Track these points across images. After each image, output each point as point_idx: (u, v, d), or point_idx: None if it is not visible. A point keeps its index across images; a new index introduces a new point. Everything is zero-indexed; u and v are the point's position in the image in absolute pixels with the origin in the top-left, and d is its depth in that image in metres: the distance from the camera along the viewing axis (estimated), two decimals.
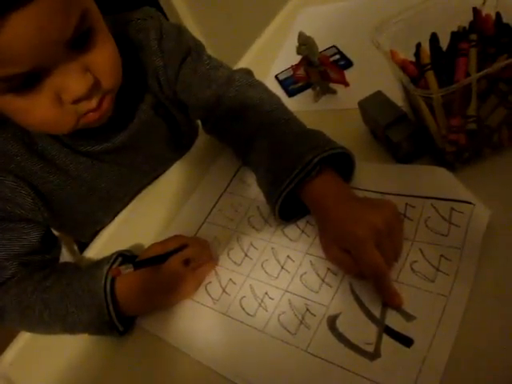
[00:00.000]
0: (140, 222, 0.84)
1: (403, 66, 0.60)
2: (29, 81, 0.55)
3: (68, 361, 0.69)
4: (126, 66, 0.65)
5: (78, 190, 0.77)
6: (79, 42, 0.56)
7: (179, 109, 0.83)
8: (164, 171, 0.91)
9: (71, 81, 0.56)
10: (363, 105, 0.71)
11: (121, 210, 0.88)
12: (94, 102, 0.61)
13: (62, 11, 0.51)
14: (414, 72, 0.60)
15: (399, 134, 0.64)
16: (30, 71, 0.53)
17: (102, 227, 0.88)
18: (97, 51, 0.59)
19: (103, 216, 0.87)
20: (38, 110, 0.58)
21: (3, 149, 0.68)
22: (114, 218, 0.88)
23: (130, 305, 0.65)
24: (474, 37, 0.57)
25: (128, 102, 0.68)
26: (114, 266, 0.66)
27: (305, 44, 0.78)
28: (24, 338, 0.76)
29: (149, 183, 0.90)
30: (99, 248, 0.84)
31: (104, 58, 0.60)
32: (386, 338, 0.51)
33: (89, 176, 0.77)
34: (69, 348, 0.70)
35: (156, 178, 0.90)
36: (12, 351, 0.75)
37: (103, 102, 0.63)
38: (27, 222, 0.72)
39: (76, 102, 0.59)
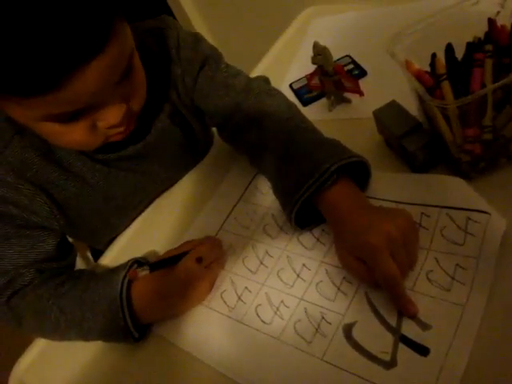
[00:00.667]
0: (155, 230, 0.84)
1: (418, 76, 0.60)
2: (74, 113, 0.58)
3: (82, 367, 0.70)
4: (146, 77, 0.66)
5: (95, 197, 0.78)
6: (123, 78, 0.59)
7: (196, 117, 0.84)
8: (179, 179, 0.91)
9: (109, 112, 0.60)
10: (378, 114, 0.71)
11: (136, 217, 0.89)
12: (124, 126, 0.64)
13: (121, 57, 0.56)
14: (429, 82, 0.60)
15: (414, 143, 0.65)
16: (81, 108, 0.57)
17: (117, 234, 0.89)
18: (132, 81, 0.62)
19: (118, 223, 0.88)
20: (74, 135, 0.61)
21: (21, 157, 0.69)
22: (128, 225, 0.89)
23: (145, 311, 0.66)
24: (489, 47, 0.58)
25: (146, 112, 0.69)
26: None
27: (320, 54, 0.79)
28: (39, 344, 0.77)
29: (164, 191, 0.91)
30: (114, 256, 0.85)
31: (138, 86, 0.64)
32: (402, 346, 0.51)
33: (105, 184, 0.77)
34: (83, 354, 0.71)
35: (171, 185, 0.91)
36: (27, 357, 0.76)
37: (130, 123, 0.66)
38: (43, 229, 0.73)
39: (110, 128, 0.62)
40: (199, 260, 0.66)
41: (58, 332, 0.70)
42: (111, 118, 0.60)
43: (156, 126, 0.78)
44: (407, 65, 0.62)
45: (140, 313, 0.65)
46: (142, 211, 0.89)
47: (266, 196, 0.75)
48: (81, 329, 0.67)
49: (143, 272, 0.62)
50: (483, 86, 0.57)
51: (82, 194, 0.76)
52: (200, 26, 1.82)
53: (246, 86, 0.79)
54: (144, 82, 0.66)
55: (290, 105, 0.78)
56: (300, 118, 0.74)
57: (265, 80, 0.85)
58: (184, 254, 0.66)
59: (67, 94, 0.51)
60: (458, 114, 0.57)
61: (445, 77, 0.59)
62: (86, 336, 0.69)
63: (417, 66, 0.62)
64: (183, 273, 0.65)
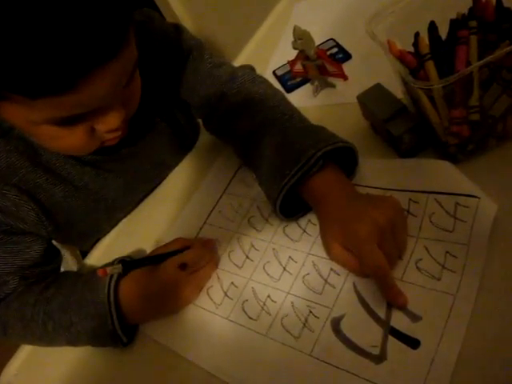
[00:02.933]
0: (141, 227, 0.83)
1: (401, 57, 0.58)
2: (76, 118, 0.56)
3: (71, 369, 0.68)
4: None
5: (84, 200, 0.76)
6: (126, 83, 0.59)
7: (182, 109, 0.83)
8: (167, 176, 0.90)
9: (110, 116, 0.59)
10: (362, 99, 0.69)
11: (124, 217, 0.87)
12: (120, 131, 0.63)
13: (130, 62, 0.55)
14: (412, 63, 0.58)
15: (400, 127, 0.63)
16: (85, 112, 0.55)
17: (105, 235, 0.87)
18: (132, 87, 0.61)
19: (107, 225, 0.86)
20: (71, 139, 0.60)
21: (7, 162, 0.66)
22: (116, 225, 0.87)
23: (133, 313, 0.64)
24: (473, 24, 0.55)
25: (137, 115, 0.67)
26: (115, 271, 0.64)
27: (301, 38, 0.76)
28: (28, 349, 0.75)
29: (154, 189, 0.89)
30: (101, 255, 0.83)
31: (135, 91, 0.63)
32: (391, 339, 0.49)
33: (94, 186, 0.76)
34: (72, 357, 0.69)
35: (160, 183, 0.89)
36: (16, 361, 0.74)
37: (125, 127, 0.64)
38: (30, 235, 0.71)
39: (108, 132, 0.61)
40: (183, 267, 0.63)
41: (46, 338, 0.68)
42: (112, 121, 0.59)
43: (145, 124, 0.77)
44: (389, 45, 0.59)
45: (128, 315, 0.64)
46: (131, 211, 0.87)
47: (250, 188, 0.73)
48: (69, 333, 0.65)
49: (114, 270, 0.60)
50: (468, 64, 0.54)
51: (70, 198, 0.74)
52: (181, 14, 1.78)
53: (230, 76, 0.77)
54: (140, 87, 0.65)
55: (276, 92, 0.75)
56: (285, 105, 0.72)
57: (250, 68, 0.83)
58: (170, 254, 0.64)
59: (80, 96, 0.50)
60: (444, 95, 0.54)
61: (428, 56, 0.57)
62: (74, 341, 0.67)
63: (399, 46, 0.60)
64: (163, 277, 0.63)
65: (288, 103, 0.74)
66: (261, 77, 0.80)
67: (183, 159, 0.91)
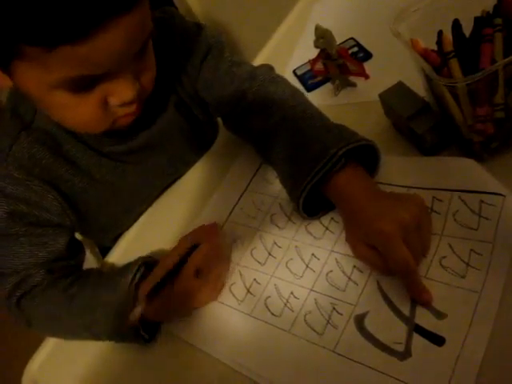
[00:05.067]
0: (161, 224, 0.83)
1: (425, 55, 0.58)
2: (89, 82, 0.57)
3: (95, 364, 0.69)
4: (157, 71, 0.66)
5: (102, 192, 0.77)
6: (139, 53, 0.59)
7: (201, 107, 0.83)
8: (186, 171, 0.90)
9: (123, 87, 0.59)
10: (384, 97, 0.69)
11: (142, 212, 0.88)
12: (134, 107, 0.63)
13: (144, 25, 0.56)
14: (436, 61, 0.58)
15: (423, 125, 0.62)
16: (98, 75, 0.56)
17: (124, 230, 0.88)
18: (146, 61, 0.62)
19: (126, 219, 0.87)
20: (84, 109, 0.60)
21: (29, 153, 0.68)
22: (135, 220, 0.88)
23: (154, 315, 0.65)
24: (498, 21, 0.55)
25: (153, 103, 0.68)
26: (138, 275, 0.65)
27: (322, 37, 0.76)
28: (51, 343, 0.76)
29: (171, 184, 0.90)
30: (122, 252, 0.84)
31: (150, 67, 0.64)
32: (416, 336, 0.49)
33: (112, 178, 0.77)
34: (95, 352, 0.70)
35: (178, 178, 0.90)
36: (40, 356, 0.75)
37: (139, 105, 0.65)
38: (55, 227, 0.72)
39: (121, 105, 0.61)
40: (197, 273, 0.63)
41: (70, 334, 0.70)
42: (124, 93, 0.59)
43: (162, 116, 0.78)
44: (413, 44, 0.59)
45: (148, 315, 0.64)
46: (149, 206, 0.88)
47: (272, 185, 0.74)
48: (91, 332, 0.67)
49: (139, 309, 0.60)
50: (493, 62, 0.54)
51: (89, 190, 0.75)
52: (200, 14, 1.79)
53: (250, 74, 0.77)
54: (154, 65, 0.65)
55: (295, 91, 0.76)
56: (305, 104, 0.72)
57: (269, 68, 0.83)
58: (180, 264, 0.64)
59: (93, 47, 0.50)
60: (468, 93, 0.54)
61: (452, 54, 0.57)
62: (97, 337, 0.68)
63: (423, 44, 0.60)
64: (182, 291, 0.63)
65: (308, 102, 0.74)
66: (280, 76, 0.80)
67: (203, 156, 0.91)
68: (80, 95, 0.58)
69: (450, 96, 0.56)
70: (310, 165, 0.60)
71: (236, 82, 0.77)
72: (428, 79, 0.59)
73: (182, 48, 0.77)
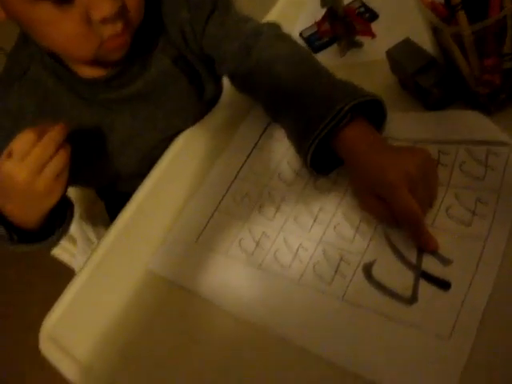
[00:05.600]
0: (170, 183, 0.84)
1: (432, 8, 0.58)
2: None
3: (111, 320, 0.70)
4: (149, 13, 0.67)
5: (91, 142, 0.79)
6: None
7: (205, 64, 0.83)
8: (182, 128, 0.91)
9: (103, 1, 0.61)
10: (391, 53, 0.69)
11: (134, 163, 0.90)
12: (119, 26, 0.65)
13: None
14: (443, 13, 0.58)
15: (429, 79, 0.63)
16: None
17: (118, 179, 0.91)
18: None
19: (117, 168, 0.89)
20: (68, 24, 0.62)
21: (18, 104, 0.71)
22: (128, 170, 0.90)
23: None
24: None
25: (147, 49, 0.69)
26: None
27: None
28: (67, 301, 0.77)
29: (165, 139, 0.90)
30: (132, 212, 0.85)
31: None
32: (422, 282, 0.51)
33: (103, 127, 0.79)
34: (111, 307, 0.71)
35: (173, 134, 0.90)
36: (55, 313, 0.76)
37: (125, 31, 0.66)
38: None
39: (103, 21, 0.63)
40: (9, 155, 0.63)
41: None
42: (103, 5, 0.61)
43: (157, 65, 0.78)
44: None
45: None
46: (142, 158, 0.89)
47: (281, 143, 0.74)
48: None
49: None
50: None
51: (78, 139, 0.74)
52: None
53: (256, 31, 0.77)
54: None
55: (301, 48, 0.76)
56: (311, 61, 0.72)
57: (275, 25, 0.82)
58: None
59: None
60: (475, 43, 0.54)
61: (460, 6, 0.57)
62: None
63: None
64: (17, 186, 0.64)
65: (313, 59, 0.74)
66: (285, 33, 0.79)
67: (211, 113, 0.91)
68: (62, 9, 0.60)
69: (457, 47, 0.56)
70: (317, 121, 0.60)
71: (241, 39, 0.77)
72: (435, 32, 0.59)
73: (186, 2, 0.77)
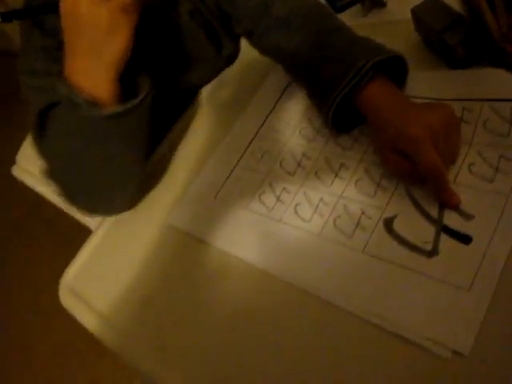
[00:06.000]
0: (190, 141, 0.85)
1: None
2: None
3: (129, 272, 0.72)
4: None
5: None
6: None
7: (221, 21, 0.82)
8: (198, 83, 0.90)
9: None
10: (417, 11, 0.68)
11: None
12: None
13: None
14: None
15: (455, 36, 0.62)
16: None
17: None
18: None
19: None
20: None
21: (42, 44, 0.71)
22: None
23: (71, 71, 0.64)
24: None
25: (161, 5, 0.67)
26: None
27: None
28: (87, 253, 0.79)
29: (181, 93, 0.89)
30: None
31: None
32: (444, 236, 0.51)
33: None
34: (132, 260, 0.72)
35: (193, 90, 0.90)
36: (75, 265, 0.78)
37: None
38: None
39: None
40: None
41: None
42: None
43: (175, 19, 0.77)
44: None
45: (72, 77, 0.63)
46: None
47: (302, 101, 0.74)
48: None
49: None
50: None
51: None
52: None
53: None
54: None
55: (321, 5, 0.74)
56: (332, 18, 0.71)
57: None
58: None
59: None
60: None
61: None
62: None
63: None
64: (82, 21, 0.60)
65: (333, 15, 0.73)
66: None
67: (231, 70, 0.90)
68: None
69: (485, 2, 0.56)
70: (339, 79, 0.60)
71: None
72: None
73: None
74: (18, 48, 0.75)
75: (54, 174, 0.71)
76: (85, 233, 0.90)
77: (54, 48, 0.69)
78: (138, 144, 0.71)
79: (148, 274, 0.70)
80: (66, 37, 0.62)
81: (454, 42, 0.62)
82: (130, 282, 0.71)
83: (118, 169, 0.70)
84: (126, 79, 0.66)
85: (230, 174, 0.72)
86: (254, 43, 0.81)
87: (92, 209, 0.77)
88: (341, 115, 0.63)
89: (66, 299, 0.75)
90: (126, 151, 0.70)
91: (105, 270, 0.75)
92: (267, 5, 0.74)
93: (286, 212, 0.63)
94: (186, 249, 0.69)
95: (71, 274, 0.77)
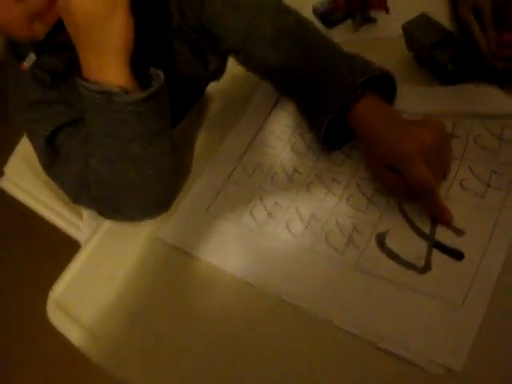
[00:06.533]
0: (184, 152, 0.84)
1: None
2: None
3: (119, 289, 0.71)
4: None
5: None
6: None
7: (206, 38, 0.81)
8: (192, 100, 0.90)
9: None
10: (407, 28, 0.69)
11: None
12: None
13: None
14: None
15: (446, 53, 0.63)
16: None
17: None
18: None
19: None
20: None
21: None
22: None
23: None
24: None
25: (145, 23, 0.67)
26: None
27: None
28: (75, 268, 0.78)
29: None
30: None
31: None
32: (436, 252, 0.51)
33: None
34: (120, 275, 0.72)
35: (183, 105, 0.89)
36: (64, 280, 0.77)
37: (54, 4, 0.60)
38: None
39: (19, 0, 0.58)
40: None
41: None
42: None
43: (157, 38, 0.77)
44: None
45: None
46: None
47: (293, 115, 0.74)
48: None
49: (30, 61, 0.60)
50: None
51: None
52: None
53: (258, 5, 0.75)
54: None
55: (306, 22, 0.74)
56: (318, 35, 0.71)
57: None
58: None
59: None
60: (493, 16, 0.54)
61: None
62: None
63: None
64: (76, 15, 0.59)
65: (319, 32, 0.72)
66: (288, 6, 0.77)
67: (218, 86, 0.91)
68: None
69: (475, 21, 0.56)
70: (327, 98, 0.60)
71: (244, 14, 0.75)
72: (453, 4, 0.59)
73: None
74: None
75: (90, 191, 0.70)
76: (72, 245, 0.90)
77: (46, 76, 0.69)
78: (169, 127, 0.71)
79: (136, 290, 0.69)
80: (71, 36, 0.62)
81: (445, 59, 0.62)
82: (119, 297, 0.70)
83: (159, 159, 0.69)
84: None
85: (221, 188, 0.71)
86: (241, 61, 0.81)
87: (139, 213, 0.75)
88: (331, 131, 0.63)
89: (54, 314, 0.74)
90: (163, 138, 0.69)
91: (93, 285, 0.74)
92: (253, 23, 0.74)
93: (277, 227, 0.62)
94: (174, 263, 0.68)
95: (59, 289, 0.76)
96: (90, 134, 0.66)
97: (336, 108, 0.60)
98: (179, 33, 0.79)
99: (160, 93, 0.65)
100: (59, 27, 0.61)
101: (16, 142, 1.09)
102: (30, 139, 0.74)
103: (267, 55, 0.73)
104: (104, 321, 0.68)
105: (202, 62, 0.85)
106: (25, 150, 1.07)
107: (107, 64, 0.62)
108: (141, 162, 0.67)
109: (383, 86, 0.63)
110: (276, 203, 0.65)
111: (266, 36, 0.73)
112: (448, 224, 0.52)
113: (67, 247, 0.98)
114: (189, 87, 0.88)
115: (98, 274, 0.75)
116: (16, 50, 0.71)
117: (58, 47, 0.65)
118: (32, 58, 0.61)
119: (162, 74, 0.65)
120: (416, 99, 0.65)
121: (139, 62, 0.65)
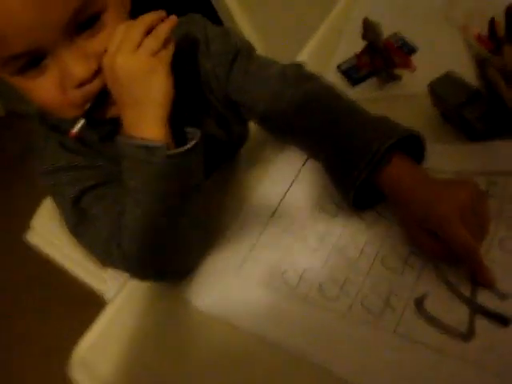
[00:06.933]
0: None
1: (478, 41, 0.58)
2: (32, 63, 0.58)
3: (144, 345, 0.71)
4: (176, 70, 0.65)
5: None
6: (84, 26, 0.58)
7: (231, 109, 0.83)
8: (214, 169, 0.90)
9: (72, 66, 0.58)
10: (434, 86, 0.69)
11: None
12: (95, 84, 0.61)
13: None
14: (488, 46, 0.58)
15: (474, 112, 0.63)
16: (28, 52, 0.56)
17: None
18: (101, 38, 0.60)
19: None
20: (43, 93, 0.61)
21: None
22: None
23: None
24: None
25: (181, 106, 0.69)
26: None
27: (369, 30, 0.77)
28: (101, 324, 0.78)
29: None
30: None
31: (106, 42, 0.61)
32: (479, 317, 0.49)
33: None
34: (145, 332, 0.72)
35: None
36: (89, 337, 0.76)
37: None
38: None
39: (79, 86, 0.60)
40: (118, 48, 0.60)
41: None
42: (74, 71, 0.58)
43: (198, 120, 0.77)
44: (465, 30, 0.60)
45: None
46: None
47: (322, 175, 0.73)
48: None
49: (79, 125, 0.61)
50: None
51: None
52: (240, 14, 1.76)
53: (281, 75, 0.77)
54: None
55: (331, 86, 0.75)
56: (343, 99, 0.72)
57: (298, 65, 0.81)
58: None
59: None
60: None
61: (506, 39, 0.57)
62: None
63: (474, 30, 0.60)
64: (120, 72, 0.60)
65: (345, 97, 0.73)
66: (311, 72, 0.79)
67: (244, 153, 0.92)
68: (33, 79, 0.59)
69: (503, 82, 0.56)
70: (355, 164, 0.59)
71: (268, 84, 0.76)
72: (480, 65, 0.59)
73: (207, 52, 0.77)
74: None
75: (120, 250, 0.69)
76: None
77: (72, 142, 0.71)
78: (203, 183, 0.70)
79: (162, 350, 0.69)
80: (113, 93, 0.63)
81: (473, 117, 0.62)
82: (144, 357, 0.69)
83: (195, 213, 0.69)
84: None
85: (249, 253, 0.71)
86: (267, 127, 0.82)
87: (171, 271, 0.74)
88: (361, 193, 0.62)
89: (76, 372, 0.73)
90: (198, 193, 0.69)
91: (117, 345, 0.73)
92: (278, 93, 0.75)
93: (310, 291, 0.61)
94: (203, 326, 0.67)
95: (84, 347, 0.75)
96: (127, 190, 0.66)
97: (363, 175, 0.59)
98: (206, 104, 0.81)
99: (199, 146, 0.66)
100: (99, 103, 0.63)
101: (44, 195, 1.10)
102: (55, 200, 0.75)
103: (294, 123, 0.73)
104: (128, 381, 0.68)
105: (226, 132, 0.86)
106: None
107: (148, 120, 0.63)
108: (178, 216, 0.67)
109: (412, 146, 0.62)
110: (307, 267, 0.64)
111: (291, 104, 0.73)
112: (491, 287, 0.51)
113: (92, 299, 0.99)
114: (212, 154, 0.89)
115: (123, 332, 0.74)
116: (46, 120, 0.73)
117: (94, 122, 0.66)
118: (81, 123, 0.62)
119: (199, 132, 0.66)
120: (446, 157, 0.64)
121: (175, 121, 0.66)
